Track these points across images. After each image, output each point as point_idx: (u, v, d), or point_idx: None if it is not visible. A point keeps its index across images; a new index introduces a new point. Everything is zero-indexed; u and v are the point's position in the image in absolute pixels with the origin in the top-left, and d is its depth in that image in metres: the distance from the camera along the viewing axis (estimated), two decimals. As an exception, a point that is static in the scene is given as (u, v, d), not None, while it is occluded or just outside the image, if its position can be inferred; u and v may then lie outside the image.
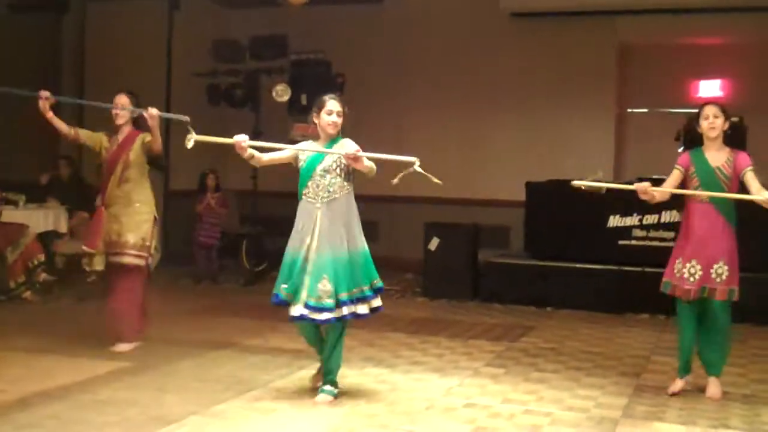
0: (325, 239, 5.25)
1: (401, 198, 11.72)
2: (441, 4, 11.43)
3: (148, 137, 6.47)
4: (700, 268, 5.55)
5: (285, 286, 5.28)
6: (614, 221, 9.10)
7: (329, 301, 5.15)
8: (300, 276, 5.22)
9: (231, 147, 5.37)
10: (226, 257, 10.77)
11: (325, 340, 5.40)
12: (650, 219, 8.98)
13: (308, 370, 6.01)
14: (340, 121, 5.45)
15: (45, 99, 6.28)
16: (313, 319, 5.17)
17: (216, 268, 10.53)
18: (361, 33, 11.83)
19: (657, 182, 9.45)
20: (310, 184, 5.37)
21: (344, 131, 5.55)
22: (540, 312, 8.79)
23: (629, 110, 11.64)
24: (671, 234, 8.85)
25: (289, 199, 11.14)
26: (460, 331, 7.68)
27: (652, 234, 8.97)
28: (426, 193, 11.43)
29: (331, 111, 5.42)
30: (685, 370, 5.80)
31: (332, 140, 5.47)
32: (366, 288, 5.37)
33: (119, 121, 6.55)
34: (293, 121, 10.55)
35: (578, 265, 9.04)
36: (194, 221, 10.51)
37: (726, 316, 5.66)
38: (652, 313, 8.59)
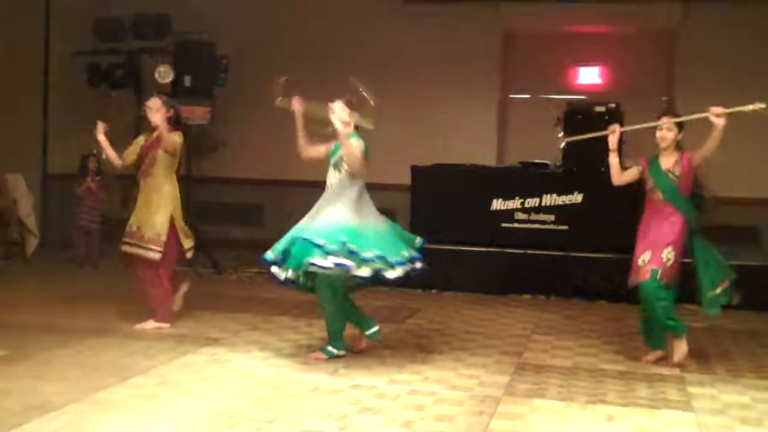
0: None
1: (287, 182, 11.68)
2: (330, -15, 11.42)
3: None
4: (650, 254, 6.10)
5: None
6: (497, 204, 9.26)
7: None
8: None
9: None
10: (107, 242, 10.51)
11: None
12: (532, 202, 9.18)
13: (193, 355, 5.97)
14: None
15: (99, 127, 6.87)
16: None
17: (97, 253, 10.26)
18: (246, 14, 11.66)
19: (538, 166, 9.76)
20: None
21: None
22: (425, 294, 8.89)
23: (511, 96, 11.86)
24: (551, 217, 9.13)
25: (181, 183, 10.95)
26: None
27: (534, 217, 9.18)
28: (312, 177, 11.47)
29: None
30: (650, 342, 6.32)
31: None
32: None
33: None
34: (177, 103, 10.35)
35: (462, 248, 9.18)
36: (74, 205, 10.21)
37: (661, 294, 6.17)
38: (534, 294, 8.82)
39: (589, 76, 11.56)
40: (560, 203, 9.11)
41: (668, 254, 6.09)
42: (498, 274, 8.98)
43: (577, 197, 9.05)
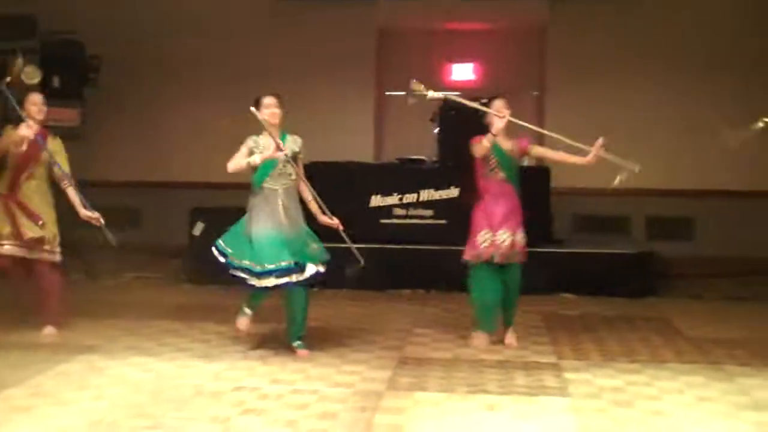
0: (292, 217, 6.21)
1: (166, 183, 11.49)
2: (200, -17, 11.27)
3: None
4: (509, 235, 6.38)
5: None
6: (376, 201, 9.33)
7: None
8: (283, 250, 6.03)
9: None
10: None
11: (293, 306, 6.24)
12: (410, 198, 9.28)
13: (68, 364, 5.80)
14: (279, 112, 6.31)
15: None
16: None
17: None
18: (116, 13, 11.40)
19: (415, 162, 9.86)
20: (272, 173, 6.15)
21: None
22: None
23: (387, 93, 11.95)
24: (429, 212, 9.24)
25: (53, 187, 10.58)
26: (228, 316, 7.55)
27: (412, 212, 9.28)
28: (190, 178, 11.32)
29: (268, 104, 6.29)
30: (492, 326, 6.59)
31: (283, 134, 6.30)
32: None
33: (39, 117, 6.87)
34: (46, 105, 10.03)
35: (342, 245, 9.17)
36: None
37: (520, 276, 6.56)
38: (413, 288, 8.92)
39: (463, 72, 11.76)
40: (437, 198, 9.24)
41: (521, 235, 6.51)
42: (378, 271, 8.99)
43: (453, 192, 9.19)
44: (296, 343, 6.25)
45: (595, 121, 11.07)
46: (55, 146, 6.86)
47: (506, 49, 11.64)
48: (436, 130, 9.51)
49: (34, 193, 6.79)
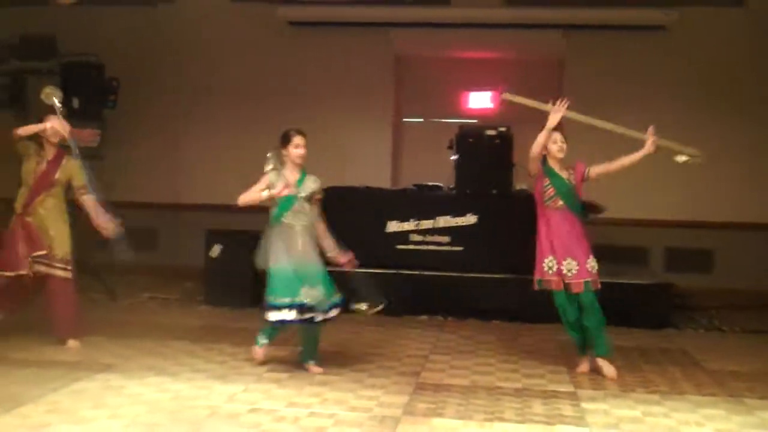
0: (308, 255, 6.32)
1: (182, 206, 11.51)
2: (218, 10, 11.32)
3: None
4: (576, 264, 6.38)
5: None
6: (392, 226, 9.30)
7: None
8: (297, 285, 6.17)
9: None
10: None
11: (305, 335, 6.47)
12: (426, 224, 9.25)
13: (85, 382, 5.80)
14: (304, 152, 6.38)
15: None
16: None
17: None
18: (135, 36, 11.49)
19: (432, 188, 9.87)
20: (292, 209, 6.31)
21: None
22: (322, 317, 8.84)
23: (405, 120, 11.99)
24: (446, 238, 9.22)
25: (71, 207, 10.61)
26: (244, 338, 7.59)
27: (428, 238, 9.25)
28: (207, 200, 11.34)
29: (298, 144, 6.34)
30: (583, 350, 6.68)
31: (303, 173, 6.41)
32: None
33: (54, 140, 7.03)
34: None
35: (359, 270, 9.15)
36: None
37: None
38: (431, 315, 8.89)
39: (481, 100, 11.78)
40: (454, 225, 9.21)
41: (592, 263, 6.47)
42: (395, 296, 8.99)
43: (470, 219, 9.18)
44: (309, 362, 6.44)
45: (611, 154, 11.06)
46: (70, 167, 7.00)
47: (523, 79, 11.63)
48: (454, 157, 9.51)
49: (50, 212, 6.95)
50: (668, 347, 7.79)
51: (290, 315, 6.17)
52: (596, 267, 6.46)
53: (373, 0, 10.77)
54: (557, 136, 6.59)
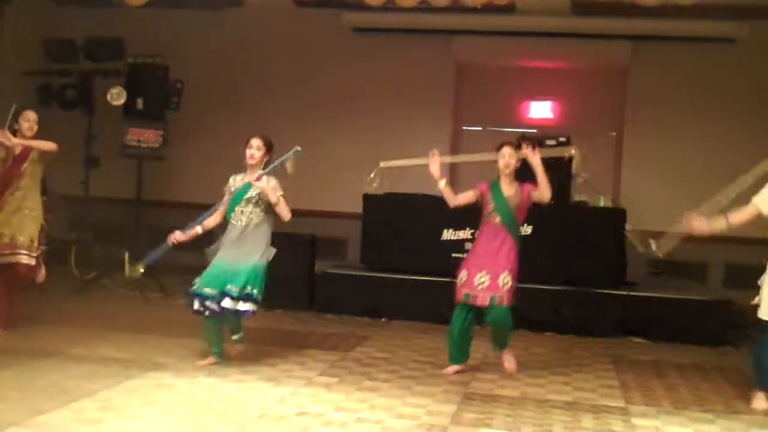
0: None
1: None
2: (283, 15, 11.38)
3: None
4: (489, 278, 6.48)
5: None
6: (447, 234, 9.29)
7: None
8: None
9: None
10: (53, 264, 10.34)
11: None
12: (482, 233, 9.20)
13: (137, 380, 5.89)
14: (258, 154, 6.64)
15: None
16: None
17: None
18: (201, 40, 11.64)
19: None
20: (237, 209, 6.56)
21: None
22: (374, 322, 8.88)
23: (464, 128, 11.95)
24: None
25: (122, 206, 10.81)
26: (295, 340, 7.67)
27: (484, 247, 9.19)
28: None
29: (250, 145, 6.63)
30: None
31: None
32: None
33: (29, 134, 7.37)
34: (128, 125, 10.29)
35: (412, 277, 9.19)
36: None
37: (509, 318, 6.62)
38: (482, 324, 8.81)
39: (541, 110, 11.70)
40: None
41: (504, 278, 6.49)
42: (447, 304, 8.95)
43: (526, 229, 9.09)
44: (234, 338, 6.79)
45: (672, 164, 10.93)
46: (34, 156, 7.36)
47: (585, 88, 11.55)
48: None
49: (22, 201, 7.33)
50: (725, 365, 7.65)
51: (198, 305, 6.38)
52: (509, 283, 6.49)
53: (437, 7, 10.76)
54: (505, 150, 6.62)
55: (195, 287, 6.41)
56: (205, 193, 11.90)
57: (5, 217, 7.25)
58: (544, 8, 10.80)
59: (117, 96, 10.08)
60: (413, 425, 5.20)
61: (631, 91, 11.31)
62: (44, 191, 9.88)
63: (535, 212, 9.00)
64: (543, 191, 6.58)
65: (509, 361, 6.81)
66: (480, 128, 11.94)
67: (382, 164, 7.31)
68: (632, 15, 10.45)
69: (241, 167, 6.73)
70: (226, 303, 6.33)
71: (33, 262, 7.30)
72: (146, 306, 9.14)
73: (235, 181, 6.71)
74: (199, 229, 6.62)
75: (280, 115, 11.62)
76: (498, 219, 6.59)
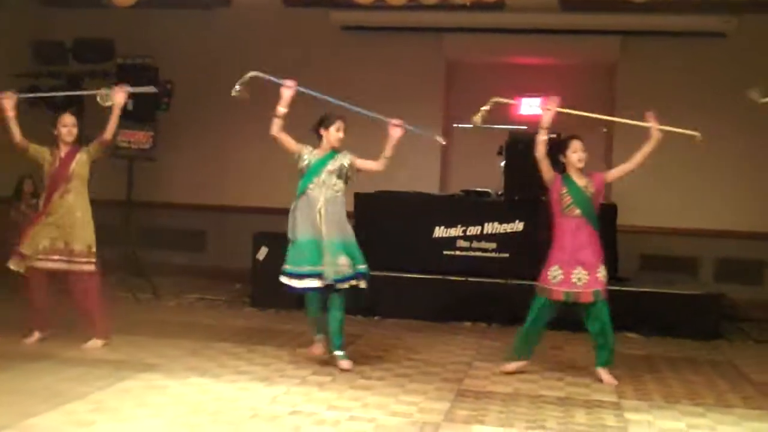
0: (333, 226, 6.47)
1: (231, 208, 11.63)
2: (271, 14, 11.40)
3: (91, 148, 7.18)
4: (587, 274, 6.40)
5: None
6: (439, 232, 9.30)
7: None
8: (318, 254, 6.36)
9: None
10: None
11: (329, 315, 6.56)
12: (473, 230, 9.22)
13: (130, 381, 5.87)
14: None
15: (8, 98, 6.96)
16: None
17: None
18: (190, 40, 11.65)
19: (480, 194, 9.84)
20: (316, 179, 6.59)
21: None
22: (367, 321, 8.86)
23: (455, 125, 11.96)
24: (493, 245, 9.18)
25: (112, 207, 10.78)
26: (288, 340, 7.67)
27: (475, 245, 9.22)
28: (255, 203, 11.44)
29: (339, 128, 6.93)
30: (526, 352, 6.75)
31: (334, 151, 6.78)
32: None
33: (69, 139, 7.13)
34: (119, 127, 10.23)
35: (405, 275, 9.19)
36: (6, 230, 9.97)
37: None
38: (474, 321, 8.85)
39: (531, 107, 11.70)
40: (501, 231, 9.17)
41: (602, 272, 6.47)
42: (439, 302, 9.00)
43: (518, 225, 9.14)
44: (337, 353, 6.57)
45: (663, 159, 10.91)
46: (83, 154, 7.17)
47: (576, 84, 11.55)
48: (503, 163, 9.47)
49: (71, 206, 7.04)
50: (717, 359, 7.67)
51: (313, 283, 6.38)
52: (606, 276, 6.48)
53: (427, 5, 10.77)
54: (578, 145, 6.67)
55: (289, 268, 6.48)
56: (194, 193, 12.01)
57: (55, 221, 6.97)
58: (533, 5, 10.83)
59: (106, 97, 10.01)
60: (406, 423, 5.20)
61: (621, 87, 11.33)
62: (34, 194, 9.92)
63: (526, 208, 9.10)
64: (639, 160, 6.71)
65: (606, 376, 6.60)
66: (471, 125, 11.91)
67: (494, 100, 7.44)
68: (621, 10, 10.48)
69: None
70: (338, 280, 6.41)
71: (93, 268, 7.01)
72: (137, 307, 9.12)
73: (311, 154, 6.80)
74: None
75: (269, 114, 11.60)
76: (578, 211, 6.50)
